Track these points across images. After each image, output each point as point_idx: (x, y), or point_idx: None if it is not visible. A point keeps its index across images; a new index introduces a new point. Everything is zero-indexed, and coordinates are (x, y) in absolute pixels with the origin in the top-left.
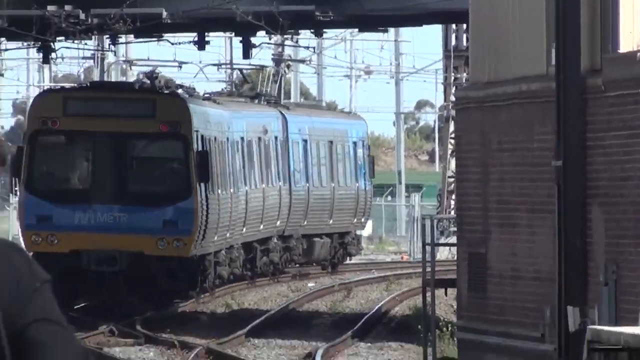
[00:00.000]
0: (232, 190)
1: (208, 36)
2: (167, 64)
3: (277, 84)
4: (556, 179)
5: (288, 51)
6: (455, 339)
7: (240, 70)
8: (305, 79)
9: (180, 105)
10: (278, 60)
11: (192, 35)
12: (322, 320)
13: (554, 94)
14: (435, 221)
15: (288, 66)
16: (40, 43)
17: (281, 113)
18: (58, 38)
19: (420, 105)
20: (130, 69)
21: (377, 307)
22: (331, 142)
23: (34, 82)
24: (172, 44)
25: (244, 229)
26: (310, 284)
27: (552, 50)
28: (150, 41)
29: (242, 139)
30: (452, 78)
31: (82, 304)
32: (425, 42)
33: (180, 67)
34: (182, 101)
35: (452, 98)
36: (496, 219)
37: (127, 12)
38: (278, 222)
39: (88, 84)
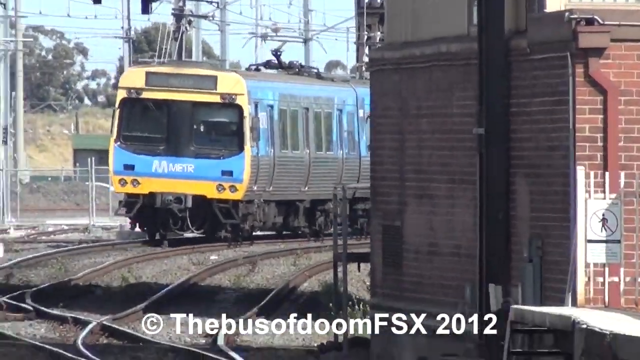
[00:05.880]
0: (289, 151)
1: None
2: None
3: (178, 42)
4: (478, 147)
5: (189, 6)
6: (368, 317)
7: None
8: (208, 36)
9: (236, 81)
10: (179, 15)
11: None
12: (226, 295)
13: (476, 56)
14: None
15: (189, 22)
16: None
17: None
18: None
19: (331, 66)
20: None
21: (284, 283)
22: None
23: None
24: None
25: (306, 187)
26: (213, 257)
27: (473, 9)
28: None
29: (307, 109)
30: (366, 37)
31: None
32: None
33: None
34: (238, 78)
35: (366, 59)
36: (413, 190)
37: None
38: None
39: (165, 61)
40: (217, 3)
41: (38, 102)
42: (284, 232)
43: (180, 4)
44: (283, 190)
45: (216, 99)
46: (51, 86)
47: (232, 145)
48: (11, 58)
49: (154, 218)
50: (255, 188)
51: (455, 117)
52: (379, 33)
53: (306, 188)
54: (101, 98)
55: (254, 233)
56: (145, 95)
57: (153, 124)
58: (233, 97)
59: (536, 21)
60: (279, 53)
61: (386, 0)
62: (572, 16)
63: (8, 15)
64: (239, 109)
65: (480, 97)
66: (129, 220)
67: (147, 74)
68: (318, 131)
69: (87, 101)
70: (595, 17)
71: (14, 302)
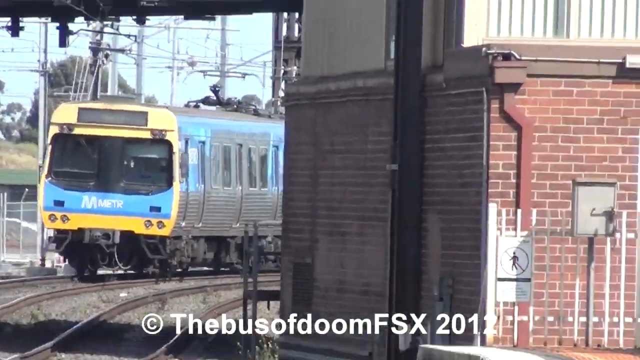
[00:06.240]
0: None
1: (22, 22)
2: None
3: (94, 75)
4: (391, 183)
5: (107, 39)
6: (276, 356)
7: None
8: (124, 70)
9: (167, 117)
10: (96, 49)
11: (6, 21)
12: (135, 333)
13: (392, 91)
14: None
15: (106, 56)
16: None
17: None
18: None
19: (247, 100)
20: None
21: (193, 321)
22: None
23: None
24: None
25: (237, 224)
26: (122, 294)
27: (391, 43)
28: None
29: (240, 145)
30: (282, 72)
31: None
32: (254, 33)
33: None
34: (169, 114)
35: (282, 93)
36: (325, 227)
37: None
38: None
39: (97, 98)
40: (135, 37)
41: None
42: (222, 269)
43: (98, 37)
44: (213, 227)
45: (147, 134)
46: None
47: (161, 181)
48: None
49: (82, 254)
50: (183, 224)
51: (369, 154)
52: (295, 67)
53: (237, 224)
54: (15, 133)
55: (189, 269)
56: (77, 131)
57: (84, 160)
58: (163, 133)
59: (453, 56)
60: (217, 89)
61: (303, 34)
62: (489, 51)
63: None
64: (169, 145)
65: (394, 133)
66: (39, 257)
67: (80, 110)
68: (252, 167)
69: (0, 136)
70: (512, 52)
71: None
